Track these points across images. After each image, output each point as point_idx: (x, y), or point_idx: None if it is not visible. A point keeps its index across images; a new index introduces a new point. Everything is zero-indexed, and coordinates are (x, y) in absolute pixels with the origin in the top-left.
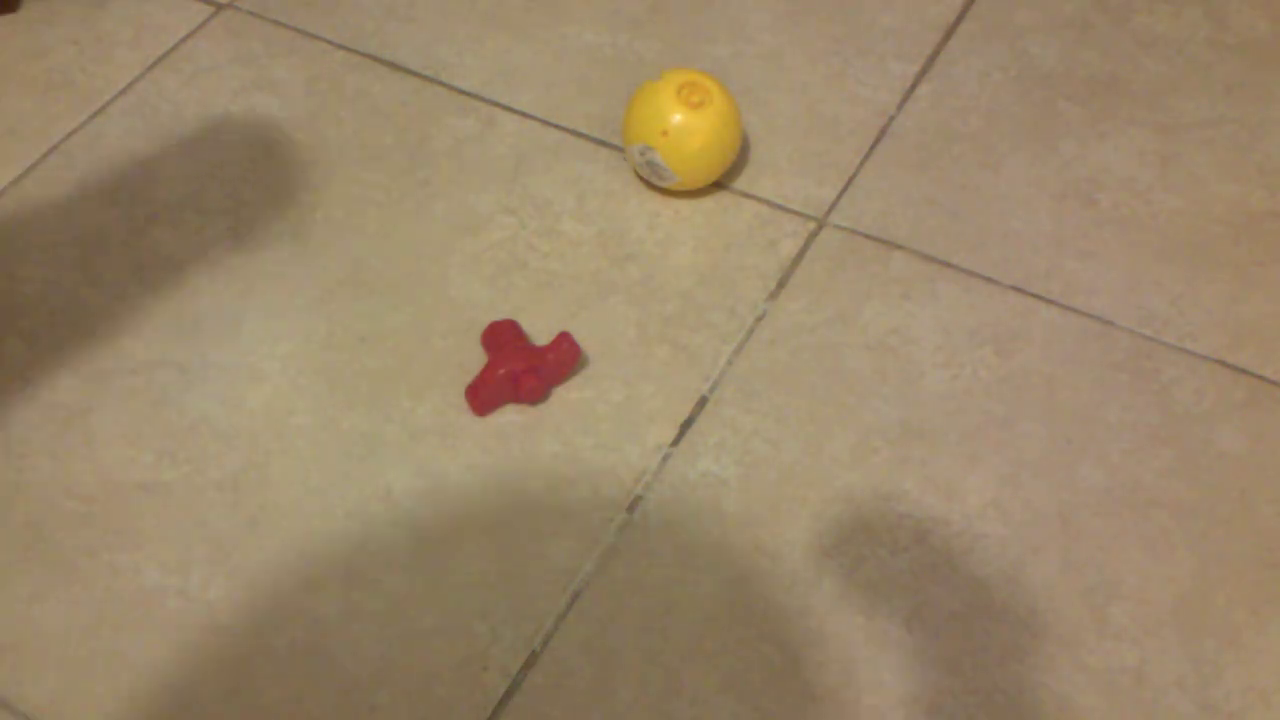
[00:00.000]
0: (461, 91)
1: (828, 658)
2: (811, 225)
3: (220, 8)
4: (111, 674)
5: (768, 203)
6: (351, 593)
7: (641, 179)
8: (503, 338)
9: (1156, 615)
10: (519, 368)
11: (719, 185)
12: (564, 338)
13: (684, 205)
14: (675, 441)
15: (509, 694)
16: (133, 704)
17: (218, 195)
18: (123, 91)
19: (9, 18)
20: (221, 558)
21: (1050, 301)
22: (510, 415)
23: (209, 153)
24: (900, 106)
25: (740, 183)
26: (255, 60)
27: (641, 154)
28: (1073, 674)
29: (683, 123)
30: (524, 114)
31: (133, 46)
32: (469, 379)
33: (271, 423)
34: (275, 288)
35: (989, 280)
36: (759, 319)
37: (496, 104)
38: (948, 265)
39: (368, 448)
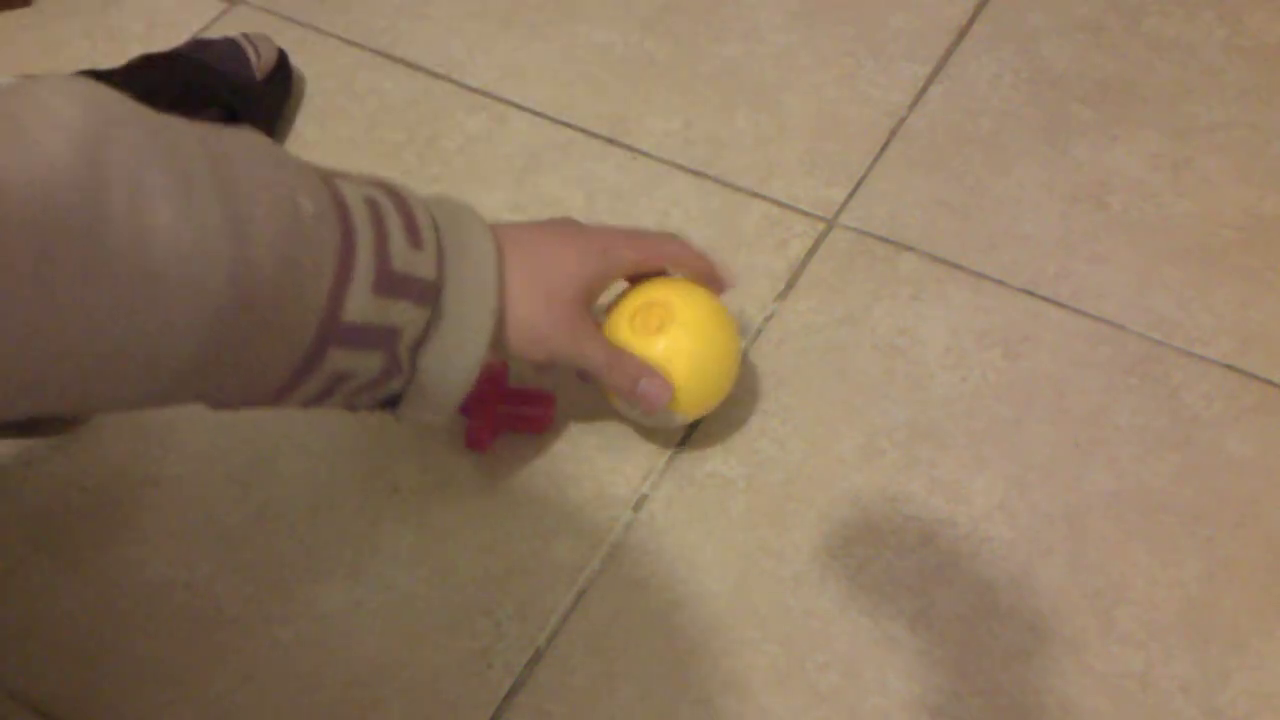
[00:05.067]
0: (472, 89)
1: (832, 659)
2: (821, 226)
3: (233, 3)
4: (119, 666)
5: (777, 203)
6: (357, 588)
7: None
8: (482, 386)
9: (1163, 620)
10: (474, 423)
11: (729, 185)
12: (547, 403)
13: (693, 205)
14: (682, 441)
15: (513, 691)
16: (140, 696)
17: None
18: None
19: (24, 11)
20: (228, 551)
21: (1060, 304)
22: None
23: None
24: (911, 108)
25: (750, 182)
26: None
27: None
28: (1078, 677)
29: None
30: (535, 112)
31: (145, 41)
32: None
33: (279, 418)
34: None
35: (999, 283)
36: (767, 319)
37: (507, 102)
38: (957, 267)
39: (375, 443)
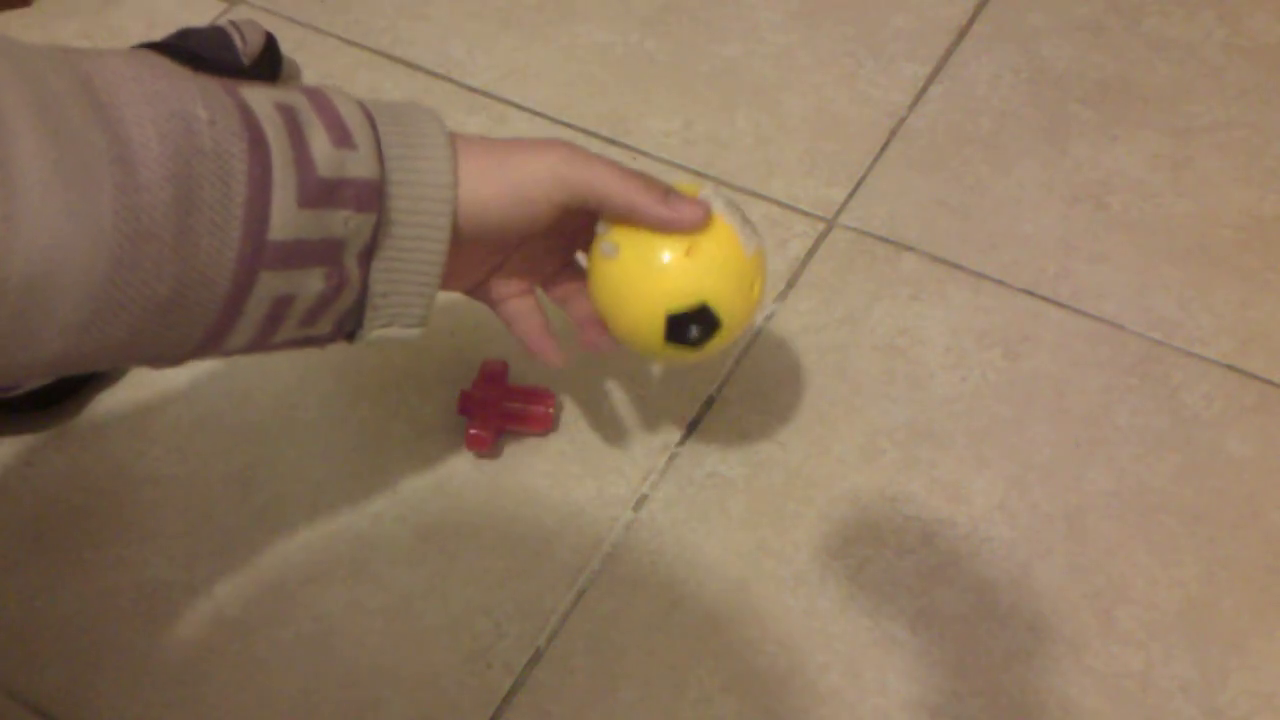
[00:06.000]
0: (472, 89)
1: (832, 659)
2: (821, 226)
3: (232, 3)
4: (118, 666)
5: (777, 203)
6: (357, 588)
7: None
8: (482, 386)
9: (1163, 620)
10: (473, 429)
11: (729, 185)
12: (547, 402)
13: None
14: (682, 441)
15: (513, 691)
16: (139, 696)
17: None
18: None
19: (23, 11)
20: (228, 552)
21: (1060, 304)
22: None
23: None
24: (911, 108)
25: (750, 182)
26: None
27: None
28: (1078, 677)
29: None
30: (535, 112)
31: (145, 41)
32: (475, 376)
33: (279, 418)
34: None
35: (999, 282)
36: (768, 319)
37: (508, 102)
38: (957, 267)
39: (374, 444)
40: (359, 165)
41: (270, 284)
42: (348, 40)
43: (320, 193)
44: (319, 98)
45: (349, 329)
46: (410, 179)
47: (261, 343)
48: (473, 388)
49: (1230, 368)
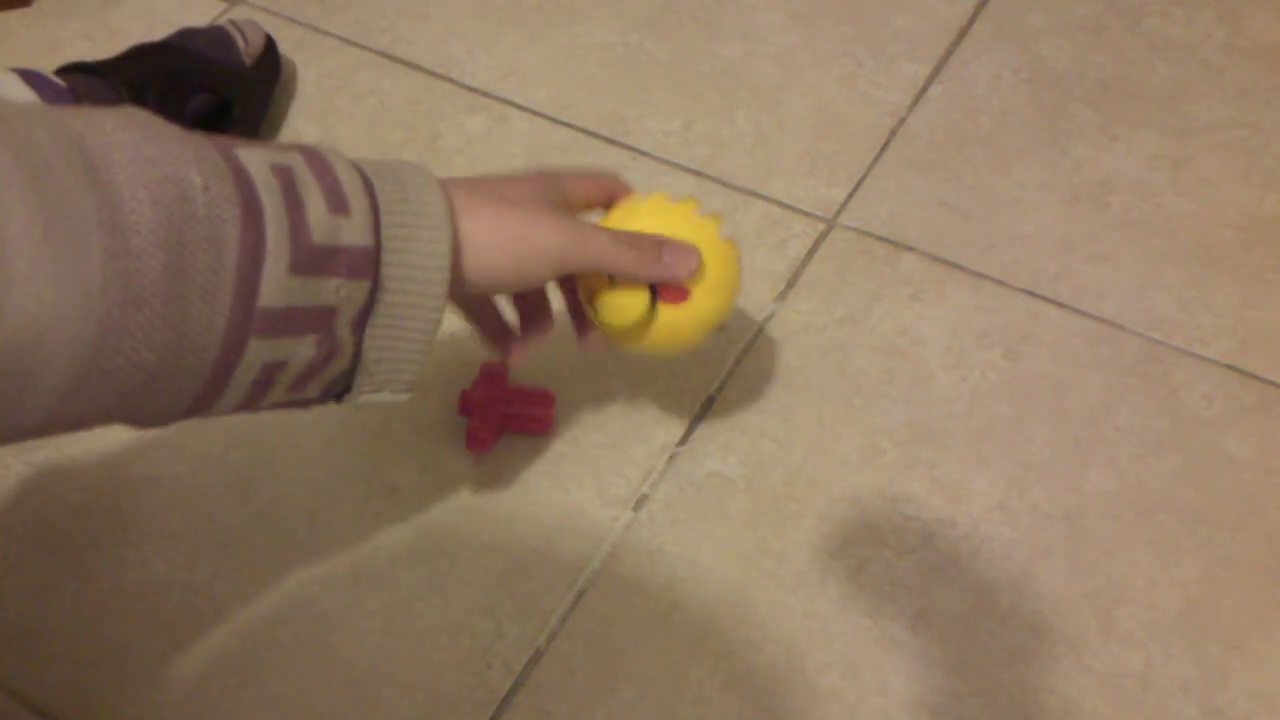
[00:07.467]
0: (472, 89)
1: (832, 659)
2: (821, 226)
3: (232, 3)
4: (118, 666)
5: (777, 203)
6: (357, 588)
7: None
8: (482, 387)
9: (1163, 620)
10: (475, 423)
11: (729, 185)
12: (547, 403)
13: None
14: (682, 441)
15: (513, 691)
16: (139, 695)
17: None
18: None
19: (23, 12)
20: (228, 552)
21: (1060, 304)
22: None
23: None
24: (911, 108)
25: (750, 182)
26: None
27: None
28: (1078, 678)
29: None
30: (535, 112)
31: (144, 41)
32: (475, 376)
33: (279, 418)
34: None
35: (999, 282)
36: (767, 319)
37: (507, 102)
38: (957, 267)
39: (374, 444)
40: (353, 232)
41: (260, 351)
42: (348, 40)
43: (313, 260)
44: (317, 160)
45: (338, 391)
46: (407, 247)
47: (249, 406)
48: (473, 388)
49: (1230, 368)
